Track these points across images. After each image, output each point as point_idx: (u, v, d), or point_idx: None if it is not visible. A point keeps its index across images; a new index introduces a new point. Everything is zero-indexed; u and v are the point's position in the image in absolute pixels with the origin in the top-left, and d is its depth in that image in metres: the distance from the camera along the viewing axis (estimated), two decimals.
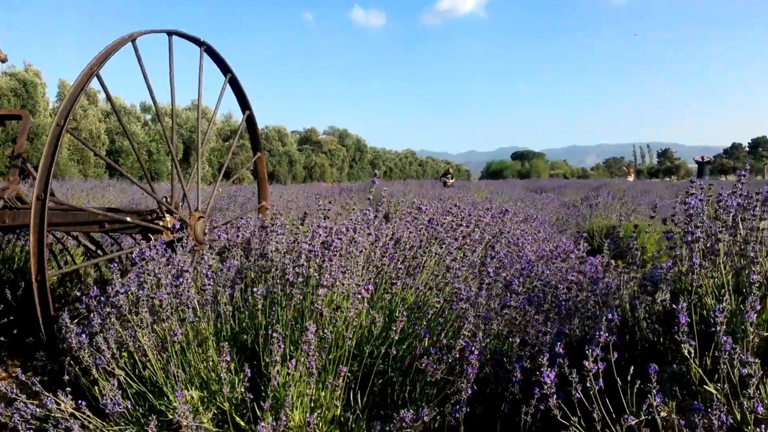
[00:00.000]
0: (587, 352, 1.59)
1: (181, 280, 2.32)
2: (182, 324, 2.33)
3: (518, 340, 2.24)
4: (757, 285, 1.64)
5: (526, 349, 2.18)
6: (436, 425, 2.09)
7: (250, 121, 4.57)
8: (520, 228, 4.72)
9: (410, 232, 2.87)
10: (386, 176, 53.44)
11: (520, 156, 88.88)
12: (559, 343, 1.75)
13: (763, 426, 1.37)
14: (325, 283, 2.28)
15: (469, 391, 1.94)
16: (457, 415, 1.91)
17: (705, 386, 1.61)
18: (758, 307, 1.54)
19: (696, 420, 1.44)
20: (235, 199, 10.36)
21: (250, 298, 2.50)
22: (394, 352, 2.29)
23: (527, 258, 2.94)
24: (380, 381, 2.35)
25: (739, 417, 1.54)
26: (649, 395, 1.47)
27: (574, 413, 1.64)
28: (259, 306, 2.37)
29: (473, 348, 2.00)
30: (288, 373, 2.10)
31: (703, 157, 26.37)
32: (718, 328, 1.52)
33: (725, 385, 1.51)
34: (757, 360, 1.44)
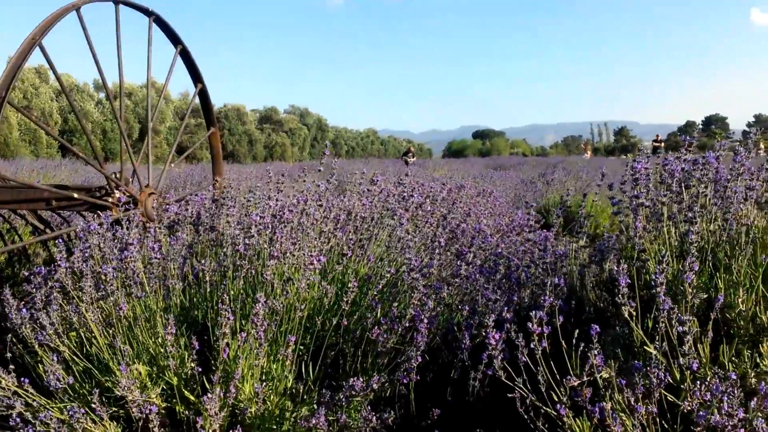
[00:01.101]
0: (532, 315, 1.60)
1: (125, 253, 2.27)
2: (129, 299, 2.28)
3: (467, 308, 2.26)
4: (696, 246, 1.68)
5: (476, 318, 2.20)
6: (388, 394, 2.10)
7: (203, 94, 4.46)
8: (475, 201, 4.76)
9: (363, 204, 2.85)
10: (348, 155, 53.27)
11: (481, 135, 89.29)
12: (506, 308, 1.77)
13: (698, 383, 1.40)
14: (275, 253, 2.25)
15: (419, 359, 1.95)
16: (406, 380, 1.92)
17: (645, 347, 1.64)
18: (696, 268, 1.57)
19: (636, 379, 1.47)
20: (192, 177, 10.22)
21: (200, 273, 2.46)
22: (346, 323, 2.28)
23: (479, 229, 2.96)
24: (332, 353, 2.34)
25: (678, 376, 1.58)
26: (589, 354, 1.49)
27: (520, 376, 1.66)
28: (208, 279, 2.33)
29: (423, 317, 2.01)
30: (238, 346, 2.08)
31: (657, 136, 27.57)
32: (658, 289, 1.55)
33: (664, 344, 1.54)
34: (693, 318, 1.47)
